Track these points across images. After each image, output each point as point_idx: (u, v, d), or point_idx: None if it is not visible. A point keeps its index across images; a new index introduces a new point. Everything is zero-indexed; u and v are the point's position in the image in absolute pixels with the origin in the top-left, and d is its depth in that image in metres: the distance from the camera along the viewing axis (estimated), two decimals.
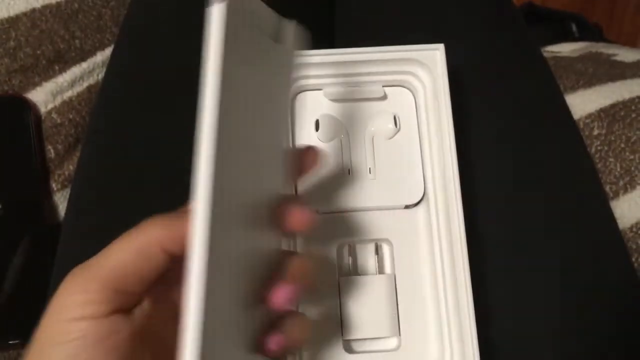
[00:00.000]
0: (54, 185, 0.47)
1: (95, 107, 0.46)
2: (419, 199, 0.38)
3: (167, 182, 0.41)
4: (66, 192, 0.47)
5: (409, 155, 0.39)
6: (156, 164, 0.42)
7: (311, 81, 0.39)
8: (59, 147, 0.48)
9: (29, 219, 0.46)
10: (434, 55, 0.39)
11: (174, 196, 0.42)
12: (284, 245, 0.36)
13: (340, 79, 0.39)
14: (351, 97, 0.40)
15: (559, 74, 0.51)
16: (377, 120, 0.39)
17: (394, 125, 0.39)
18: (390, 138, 0.39)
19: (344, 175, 0.39)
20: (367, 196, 0.38)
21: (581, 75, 0.52)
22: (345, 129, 0.39)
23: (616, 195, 0.46)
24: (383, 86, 0.40)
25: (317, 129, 0.39)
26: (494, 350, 0.38)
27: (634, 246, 0.44)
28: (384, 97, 0.40)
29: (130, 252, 0.27)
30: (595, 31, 0.77)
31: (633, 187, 0.46)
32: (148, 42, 0.46)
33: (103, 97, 0.46)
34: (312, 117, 0.39)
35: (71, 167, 0.48)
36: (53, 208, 0.47)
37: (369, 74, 0.39)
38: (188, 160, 0.43)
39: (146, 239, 0.27)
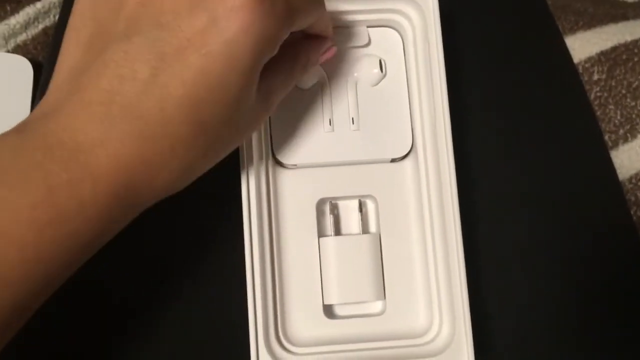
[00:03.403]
0: None
1: (52, 50, 0.42)
2: (407, 151, 0.35)
3: None
4: None
5: (396, 104, 0.36)
6: None
7: None
8: None
9: None
10: None
11: None
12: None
13: None
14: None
15: (557, 15, 0.48)
16: (361, 65, 0.36)
17: (380, 71, 0.35)
18: (376, 85, 0.36)
19: (324, 126, 0.35)
20: (349, 149, 0.35)
21: (580, 15, 0.49)
22: (326, 75, 0.36)
23: (615, 144, 0.43)
24: (368, 27, 0.36)
25: None
26: (486, 318, 0.36)
27: (632, 198, 0.42)
28: (368, 44, 0.36)
29: None
30: None
31: (634, 136, 0.43)
32: None
33: (60, 40, 0.42)
34: None
35: None
36: None
37: (352, 12, 0.35)
38: None
39: None
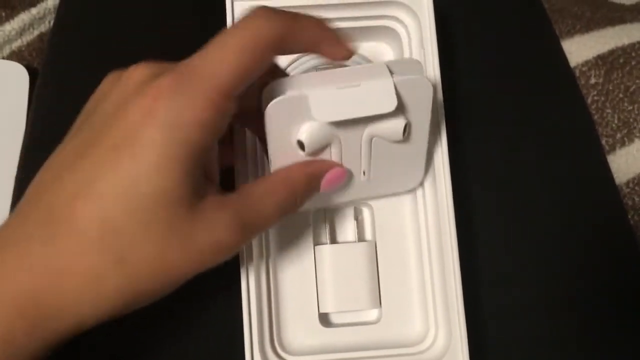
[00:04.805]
0: None
1: (47, 56, 0.42)
2: (414, 187, 0.34)
3: None
4: None
5: (413, 152, 0.32)
6: None
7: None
8: None
9: None
10: None
11: None
12: None
13: None
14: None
15: (554, 19, 0.48)
16: (381, 127, 0.30)
17: (402, 135, 0.30)
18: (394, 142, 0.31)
19: None
20: (356, 194, 0.34)
21: (578, 19, 0.48)
22: (337, 136, 0.30)
23: (612, 148, 0.43)
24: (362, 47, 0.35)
25: (302, 148, 0.29)
26: (482, 326, 0.35)
27: (630, 203, 0.42)
28: (396, 111, 0.28)
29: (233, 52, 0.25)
30: None
31: (631, 140, 0.43)
32: None
33: (55, 46, 0.42)
34: (293, 132, 0.29)
35: None
36: None
37: (342, 19, 0.35)
38: None
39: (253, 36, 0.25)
